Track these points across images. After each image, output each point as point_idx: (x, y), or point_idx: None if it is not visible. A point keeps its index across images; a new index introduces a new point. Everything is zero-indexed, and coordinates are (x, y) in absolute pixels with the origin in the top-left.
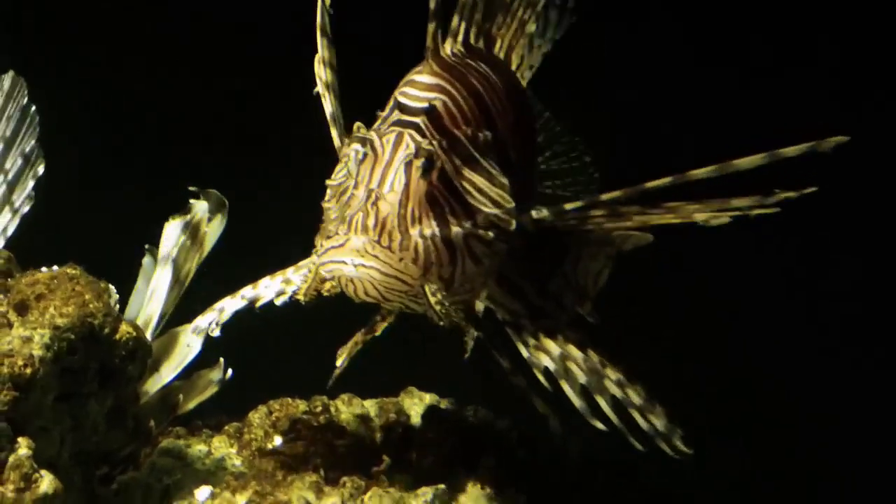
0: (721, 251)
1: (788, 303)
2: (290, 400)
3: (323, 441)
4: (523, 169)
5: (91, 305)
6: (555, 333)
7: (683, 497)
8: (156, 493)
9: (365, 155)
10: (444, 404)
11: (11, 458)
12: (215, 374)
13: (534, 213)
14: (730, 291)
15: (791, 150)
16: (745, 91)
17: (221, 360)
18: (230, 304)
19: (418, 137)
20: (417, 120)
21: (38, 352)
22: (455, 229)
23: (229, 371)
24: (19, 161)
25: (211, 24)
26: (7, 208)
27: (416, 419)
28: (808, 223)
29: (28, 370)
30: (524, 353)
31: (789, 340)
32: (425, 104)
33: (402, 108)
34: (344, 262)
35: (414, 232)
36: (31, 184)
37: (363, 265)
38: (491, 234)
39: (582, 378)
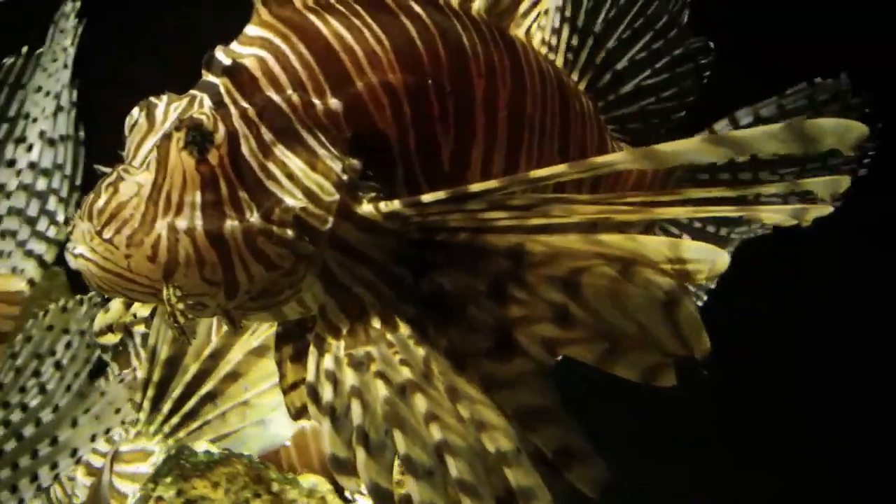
0: None
1: None
2: None
3: None
4: (443, 154)
5: None
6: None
7: None
8: None
9: (135, 123)
10: None
11: None
12: None
13: (382, 206)
14: None
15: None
16: None
17: None
18: None
19: (206, 104)
20: (217, 81)
21: None
22: (229, 223)
23: None
24: None
25: None
26: None
27: None
28: None
29: None
30: (311, 377)
31: None
32: (229, 61)
33: (209, 66)
34: (67, 250)
35: (160, 223)
36: None
37: (83, 256)
38: (290, 232)
39: (357, 418)
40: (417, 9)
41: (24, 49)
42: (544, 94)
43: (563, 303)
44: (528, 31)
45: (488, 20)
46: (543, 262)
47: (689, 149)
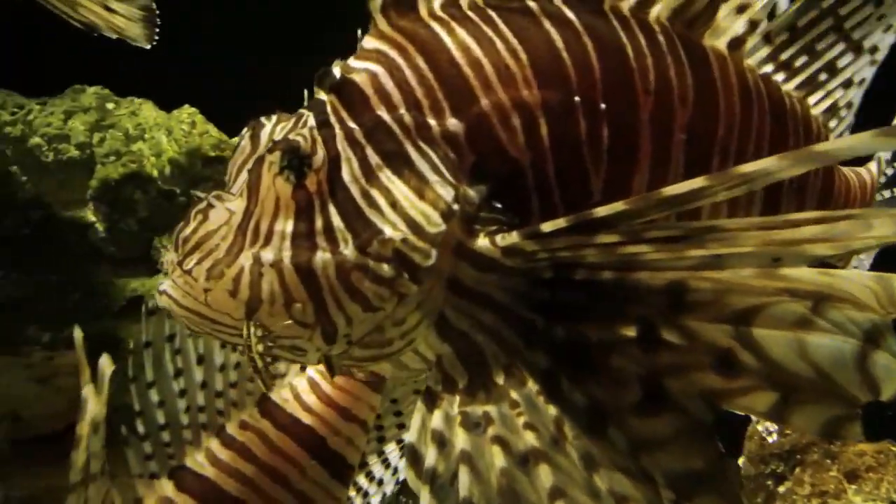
0: None
1: None
2: None
3: None
4: (587, 180)
5: None
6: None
7: None
8: None
9: (239, 145)
10: None
11: None
12: None
13: (499, 240)
14: None
15: None
16: None
17: None
18: None
19: (310, 123)
20: (325, 98)
21: None
22: (320, 255)
23: None
24: None
25: None
26: None
27: None
28: None
29: None
30: (413, 435)
31: None
32: (339, 77)
33: (320, 82)
34: (156, 287)
35: (245, 255)
36: None
37: (166, 293)
38: (387, 267)
39: (464, 489)
40: (569, 15)
41: None
42: (747, 116)
43: (729, 347)
44: (732, 42)
45: (672, 28)
46: (709, 301)
47: (860, 143)
